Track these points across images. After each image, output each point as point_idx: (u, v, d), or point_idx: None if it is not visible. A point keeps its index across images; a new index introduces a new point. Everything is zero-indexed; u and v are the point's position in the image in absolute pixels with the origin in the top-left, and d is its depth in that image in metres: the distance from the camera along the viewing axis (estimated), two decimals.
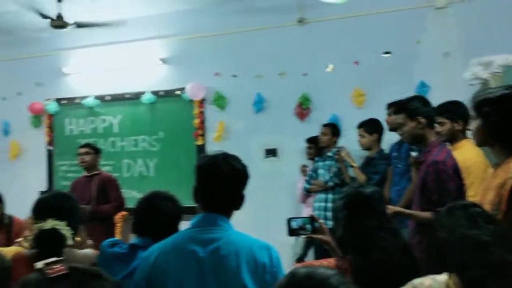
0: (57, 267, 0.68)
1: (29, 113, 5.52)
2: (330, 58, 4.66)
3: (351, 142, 4.35)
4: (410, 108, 2.56)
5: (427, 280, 1.43)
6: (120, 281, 1.67)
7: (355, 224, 1.61)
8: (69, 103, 5.46)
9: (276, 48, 4.86)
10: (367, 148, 4.04)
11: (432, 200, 2.42)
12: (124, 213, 4.76)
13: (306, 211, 4.44)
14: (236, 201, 1.60)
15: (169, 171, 5.11)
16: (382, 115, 4.06)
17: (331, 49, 4.68)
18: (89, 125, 5.41)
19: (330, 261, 1.61)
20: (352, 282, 1.52)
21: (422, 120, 2.53)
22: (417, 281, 1.43)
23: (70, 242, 1.68)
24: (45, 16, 4.36)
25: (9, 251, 1.74)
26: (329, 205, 4.11)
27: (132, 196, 5.17)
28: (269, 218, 4.68)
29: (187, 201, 5.13)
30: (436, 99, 2.89)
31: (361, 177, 3.85)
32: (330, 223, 3.95)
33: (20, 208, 5.03)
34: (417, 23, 4.46)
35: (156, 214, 1.81)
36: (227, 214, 1.59)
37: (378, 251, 1.58)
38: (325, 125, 4.36)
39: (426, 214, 2.43)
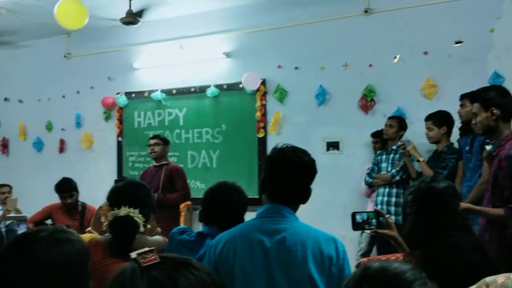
0: (150, 256, 0.72)
1: (102, 106, 5.80)
2: (398, 48, 4.52)
3: (417, 136, 4.21)
4: (485, 97, 2.46)
5: (500, 278, 1.36)
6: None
7: (426, 220, 1.55)
8: (137, 97, 5.69)
9: (340, 39, 4.78)
10: (435, 141, 3.89)
11: (504, 197, 2.33)
12: (188, 202, 4.92)
13: (370, 206, 4.36)
14: (303, 194, 1.63)
15: (231, 162, 5.20)
16: (451, 108, 3.89)
17: (399, 39, 4.53)
18: (156, 117, 5.61)
19: (398, 256, 1.58)
20: None
21: (496, 111, 2.42)
22: (489, 279, 1.37)
23: (142, 229, 1.76)
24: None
25: (84, 237, 1.84)
26: (393, 199, 4.01)
27: (196, 186, 5.33)
28: (331, 212, 4.64)
29: (248, 192, 5.25)
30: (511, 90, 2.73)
31: (428, 172, 3.71)
32: (393, 218, 3.91)
33: (93, 195, 5.37)
34: (490, 10, 4.21)
35: (223, 204, 1.86)
36: (293, 206, 1.62)
37: (449, 248, 1.52)
38: (390, 117, 4.24)
39: (498, 211, 2.35)
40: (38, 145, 6.31)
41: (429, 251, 1.53)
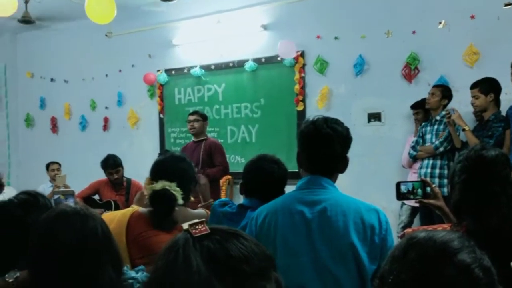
0: (200, 227, 0.73)
1: (144, 83, 5.89)
2: (442, 13, 4.31)
3: (464, 105, 4.05)
4: None
5: None
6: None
7: (475, 189, 1.49)
8: (177, 73, 5.74)
9: (382, 6, 4.61)
10: (481, 110, 3.73)
11: None
12: (228, 177, 4.98)
13: (411, 178, 4.26)
14: (340, 163, 1.62)
15: (270, 137, 5.20)
16: (498, 75, 3.72)
17: (444, 3, 4.32)
18: (196, 94, 5.66)
19: (445, 227, 1.53)
20: None
21: None
22: None
23: (180, 201, 1.79)
24: None
25: (128, 210, 1.90)
26: (437, 171, 3.91)
27: (236, 161, 5.38)
28: (372, 184, 4.58)
29: (288, 165, 5.28)
30: None
31: (474, 142, 3.58)
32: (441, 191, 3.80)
33: (137, 172, 5.51)
34: None
35: (264, 176, 1.86)
36: (332, 176, 1.61)
37: (498, 218, 1.46)
38: (434, 86, 4.09)
39: None
40: (83, 123, 6.51)
41: (477, 220, 1.47)
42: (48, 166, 5.89)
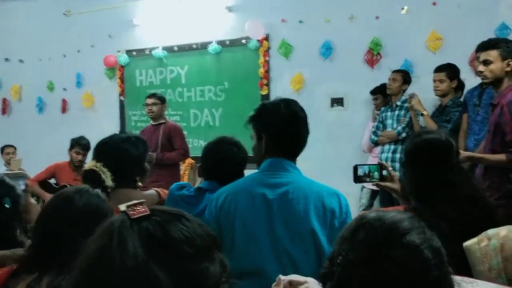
0: (139, 208, 0.68)
1: (104, 65, 5.71)
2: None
3: (424, 90, 4.12)
4: (507, 48, 2.48)
5: (503, 230, 1.33)
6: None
7: (417, 173, 1.52)
8: (138, 55, 5.59)
9: None
10: (443, 94, 3.78)
11: (506, 142, 2.39)
12: (191, 161, 4.91)
13: (372, 161, 4.33)
14: (304, 145, 1.60)
15: (234, 121, 5.13)
16: (458, 61, 3.80)
17: None
18: (158, 76, 5.52)
19: (399, 208, 1.54)
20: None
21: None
22: (491, 231, 1.34)
23: (109, 182, 1.72)
24: None
25: None
26: (398, 156, 3.97)
27: (199, 145, 5.30)
28: (333, 168, 4.60)
29: (251, 150, 5.22)
30: None
31: (432, 126, 3.65)
32: (398, 174, 3.87)
33: None
34: None
35: (222, 158, 1.82)
36: (293, 158, 1.59)
37: (443, 200, 1.49)
38: (395, 71, 4.13)
39: (500, 157, 2.41)
40: (40, 105, 6.26)
41: (422, 204, 1.50)
42: (2, 149, 5.65)
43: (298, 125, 1.57)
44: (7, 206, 1.28)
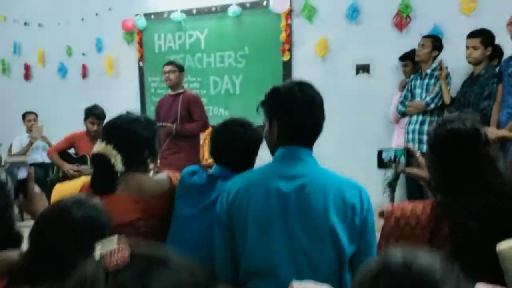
0: (118, 255, 0.56)
1: (122, 29, 5.57)
2: None
3: (455, 57, 3.87)
4: None
5: None
6: (194, 216, 1.64)
7: (443, 166, 1.37)
8: (157, 18, 5.42)
9: None
10: (476, 62, 3.53)
11: None
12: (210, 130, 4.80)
13: (398, 132, 4.15)
14: (320, 130, 1.47)
15: (254, 88, 4.98)
16: (493, 26, 3.52)
17: None
18: (176, 40, 5.36)
19: (427, 204, 1.41)
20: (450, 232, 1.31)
21: None
22: None
23: (119, 167, 1.64)
24: None
25: (78, 182, 1.77)
26: (426, 128, 3.77)
27: (219, 114, 5.20)
28: (358, 139, 4.47)
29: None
30: None
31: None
32: (425, 148, 3.70)
33: None
34: None
35: (229, 140, 1.70)
36: (310, 145, 1.46)
37: (469, 196, 1.34)
38: (424, 37, 3.86)
39: None
40: (62, 71, 6.21)
41: (448, 199, 1.36)
42: (24, 116, 5.66)
43: (314, 110, 1.42)
44: None
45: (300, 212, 1.33)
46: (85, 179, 1.79)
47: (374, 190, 4.30)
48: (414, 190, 3.75)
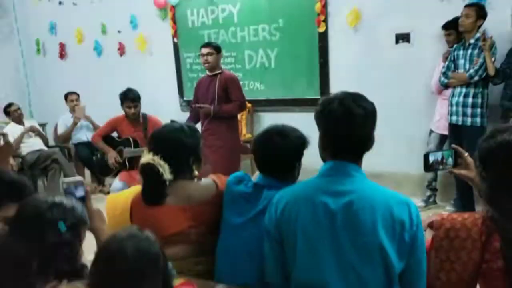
0: None
1: (154, 5, 5.55)
2: None
3: (500, 24, 3.69)
4: None
5: None
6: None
7: (493, 180, 1.32)
8: None
9: None
10: None
11: None
12: (248, 105, 4.80)
13: (442, 104, 4.05)
14: (368, 144, 1.45)
15: (290, 61, 4.92)
16: None
17: None
18: (209, 15, 5.30)
19: (477, 217, 1.39)
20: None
21: None
22: None
23: (167, 176, 1.69)
24: None
25: (130, 194, 1.82)
26: (469, 100, 3.67)
27: (255, 88, 5.18)
28: (399, 112, 4.38)
29: (307, 92, 5.00)
30: None
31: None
32: (469, 120, 3.61)
33: (154, 98, 5.42)
34: None
35: (268, 152, 1.71)
36: (359, 161, 1.46)
37: None
38: (467, 6, 3.68)
39: None
40: (98, 49, 6.29)
41: (500, 214, 1.32)
42: (66, 96, 5.82)
43: (353, 124, 1.39)
44: (61, 230, 1.27)
45: (349, 229, 1.35)
46: (134, 191, 1.85)
47: (417, 162, 4.24)
48: (465, 190, 3.69)
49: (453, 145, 1.73)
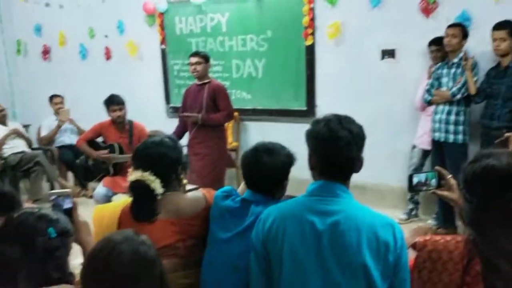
0: None
1: (143, 12, 5.55)
2: None
3: (482, 44, 3.79)
4: None
5: None
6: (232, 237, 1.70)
7: (477, 204, 1.33)
8: (177, 1, 5.37)
9: None
10: (504, 54, 3.48)
11: None
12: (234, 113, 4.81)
13: (424, 120, 4.13)
14: (356, 165, 1.48)
15: (277, 72, 4.97)
16: None
17: None
18: (198, 23, 5.32)
19: (459, 240, 1.44)
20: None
21: None
22: None
23: (159, 190, 1.71)
24: None
25: (119, 205, 1.83)
26: (452, 118, 3.75)
27: (242, 97, 5.21)
28: (383, 126, 4.46)
29: (294, 103, 5.02)
30: None
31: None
32: (451, 137, 3.70)
33: (140, 104, 5.41)
34: None
35: (256, 170, 1.73)
36: (346, 181, 1.49)
37: (504, 237, 1.31)
38: (452, 26, 3.76)
39: None
40: (83, 52, 6.25)
41: (481, 237, 1.33)
42: (51, 98, 5.77)
43: (338, 147, 1.42)
44: (52, 236, 1.29)
45: (335, 249, 1.38)
46: (123, 203, 1.85)
47: (400, 175, 4.34)
48: (447, 205, 3.75)
49: (437, 167, 1.77)
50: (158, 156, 1.78)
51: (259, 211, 1.63)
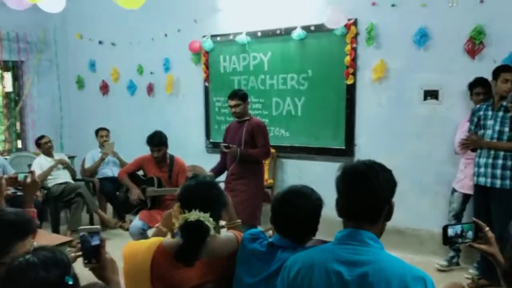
0: None
1: (189, 50, 5.74)
2: None
3: None
4: None
5: None
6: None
7: None
8: (222, 40, 5.53)
9: None
10: None
11: None
12: (271, 150, 4.81)
13: (464, 164, 3.98)
14: (386, 212, 1.43)
15: (316, 111, 4.97)
16: None
17: None
18: (241, 62, 5.44)
19: None
20: None
21: None
22: None
23: (212, 232, 1.70)
24: None
25: (152, 244, 1.82)
26: (499, 162, 3.58)
27: (280, 134, 5.23)
28: (424, 167, 4.33)
29: (332, 142, 4.98)
30: None
31: None
32: (498, 183, 3.52)
33: (181, 139, 5.54)
34: None
35: (291, 214, 1.70)
36: (376, 230, 1.43)
37: None
38: (507, 71, 3.59)
39: None
40: (131, 88, 6.51)
41: None
42: (97, 132, 6.01)
43: (359, 196, 1.39)
44: (70, 283, 1.30)
45: None
46: (157, 241, 1.83)
47: (440, 220, 4.16)
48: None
49: (474, 219, 1.69)
50: (213, 197, 1.80)
51: (285, 257, 1.59)
